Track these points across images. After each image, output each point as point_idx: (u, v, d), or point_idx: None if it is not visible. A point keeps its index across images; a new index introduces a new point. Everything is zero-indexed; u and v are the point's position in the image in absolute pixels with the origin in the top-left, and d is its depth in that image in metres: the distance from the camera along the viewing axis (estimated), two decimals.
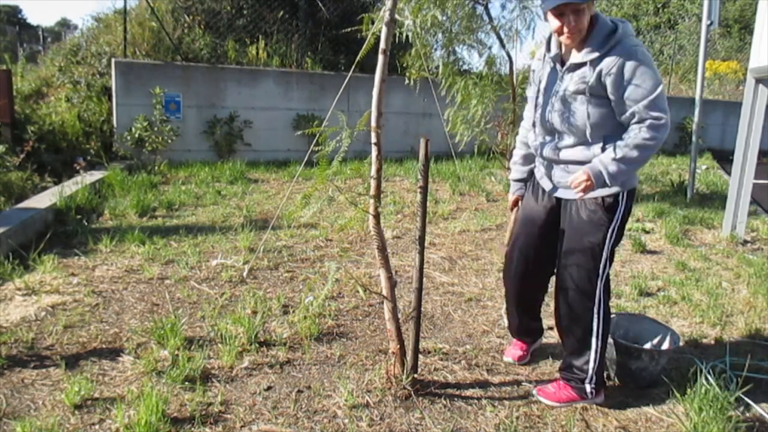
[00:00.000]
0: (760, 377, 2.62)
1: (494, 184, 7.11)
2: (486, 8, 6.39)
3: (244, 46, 8.95)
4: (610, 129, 2.18)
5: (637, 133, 2.08)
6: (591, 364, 2.30)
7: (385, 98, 2.29)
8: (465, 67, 9.26)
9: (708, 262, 4.42)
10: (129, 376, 2.42)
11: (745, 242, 5.05)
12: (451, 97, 6.49)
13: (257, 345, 2.73)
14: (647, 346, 2.63)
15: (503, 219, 5.49)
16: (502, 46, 6.62)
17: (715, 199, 6.68)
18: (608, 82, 2.09)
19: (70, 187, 5.27)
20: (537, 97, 2.38)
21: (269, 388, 2.40)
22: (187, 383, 2.36)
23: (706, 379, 2.45)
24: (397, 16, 2.17)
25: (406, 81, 6.71)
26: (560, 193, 2.37)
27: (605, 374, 2.62)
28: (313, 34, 9.47)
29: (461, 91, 6.40)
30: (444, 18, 5.94)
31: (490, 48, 6.59)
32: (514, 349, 2.75)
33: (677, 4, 20.26)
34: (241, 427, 2.13)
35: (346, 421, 2.18)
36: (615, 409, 2.36)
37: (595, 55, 2.11)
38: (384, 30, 2.14)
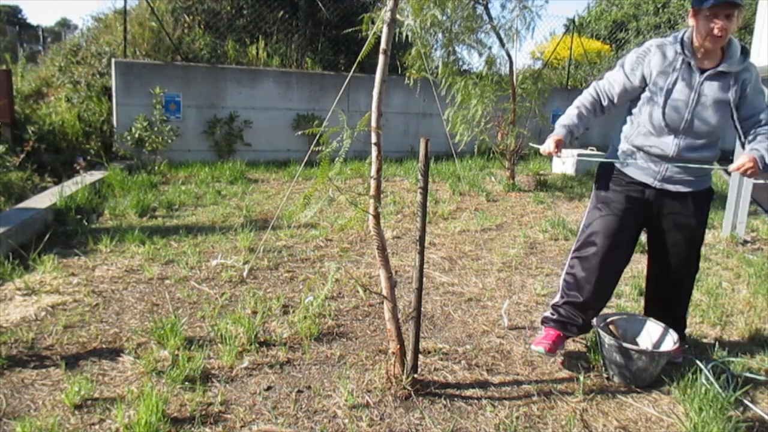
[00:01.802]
0: (760, 377, 2.62)
1: (494, 184, 7.11)
2: (486, 8, 6.40)
3: (244, 46, 8.95)
4: (722, 132, 2.49)
5: None
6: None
7: (385, 98, 2.30)
8: (465, 67, 9.28)
9: (708, 262, 4.42)
10: (129, 376, 2.42)
11: (745, 242, 5.05)
12: (451, 97, 6.50)
13: (257, 345, 2.73)
14: (647, 346, 2.63)
15: (503, 219, 5.49)
16: (502, 45, 6.63)
17: (715, 199, 6.66)
18: (748, 92, 2.41)
19: (70, 187, 5.27)
20: (659, 95, 2.45)
21: (269, 388, 2.39)
22: (187, 383, 2.36)
23: (706, 379, 2.46)
24: (397, 16, 2.18)
25: (406, 81, 6.72)
26: (672, 188, 2.53)
27: (606, 375, 2.63)
28: (313, 34, 9.48)
29: (461, 91, 6.41)
30: (444, 18, 5.94)
31: (490, 48, 6.61)
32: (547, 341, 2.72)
33: (677, 4, 20.24)
34: (241, 427, 2.13)
35: (346, 421, 2.18)
36: (615, 409, 2.36)
37: (741, 67, 2.38)
38: (385, 30, 2.14)
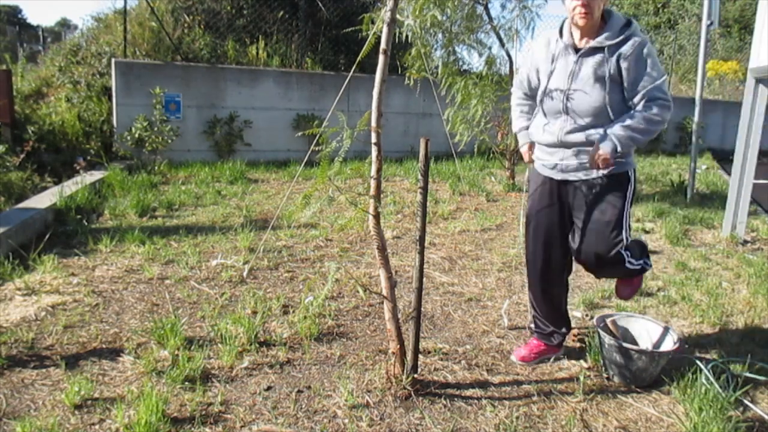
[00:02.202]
0: (760, 377, 2.62)
1: (494, 184, 7.11)
2: (486, 8, 6.40)
3: (244, 46, 8.95)
4: (619, 113, 2.34)
5: (647, 109, 2.28)
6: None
7: (385, 98, 2.30)
8: (465, 67, 9.27)
9: (708, 262, 4.42)
10: (129, 376, 2.42)
11: (745, 242, 5.05)
12: (451, 97, 6.50)
13: (257, 345, 2.73)
14: (647, 346, 2.63)
15: (503, 219, 5.49)
16: (502, 45, 6.63)
17: (715, 199, 6.68)
18: (624, 66, 2.27)
19: (70, 187, 5.27)
20: (546, 82, 2.44)
21: (269, 388, 2.40)
22: (187, 383, 2.36)
23: (706, 379, 2.46)
24: (397, 16, 2.17)
25: (406, 81, 6.72)
26: (572, 177, 2.44)
27: (605, 375, 2.62)
28: (313, 34, 9.47)
29: (461, 91, 6.40)
30: (444, 18, 5.94)
31: (489, 48, 6.60)
32: (524, 350, 2.75)
33: (677, 4, 20.25)
34: (241, 427, 2.13)
35: (346, 421, 2.18)
36: (615, 409, 2.36)
37: (614, 41, 2.28)
38: (385, 30, 2.14)
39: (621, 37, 2.28)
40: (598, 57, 2.31)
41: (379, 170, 2.20)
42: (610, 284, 3.54)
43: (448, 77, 6.40)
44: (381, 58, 2.14)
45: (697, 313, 3.37)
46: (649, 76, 2.26)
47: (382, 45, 2.15)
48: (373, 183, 2.24)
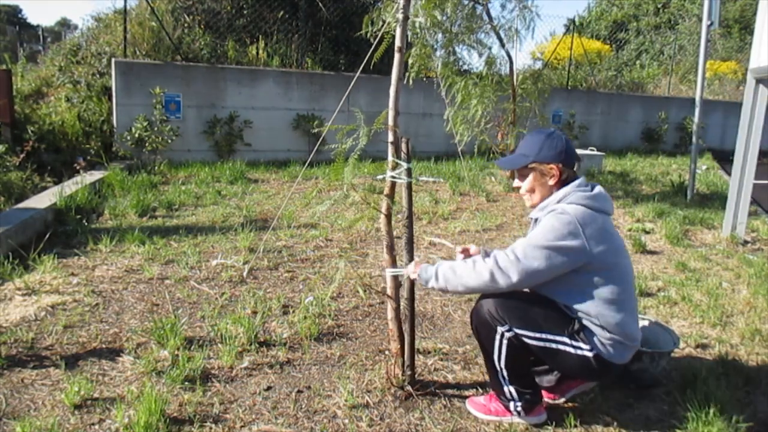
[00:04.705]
0: (760, 377, 2.62)
1: (494, 185, 7.11)
2: (486, 8, 6.40)
3: (244, 46, 8.95)
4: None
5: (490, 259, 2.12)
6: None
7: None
8: (465, 67, 9.28)
9: (708, 262, 4.42)
10: (129, 376, 2.42)
11: (746, 242, 5.05)
12: (451, 97, 6.50)
13: (257, 345, 2.72)
14: (646, 347, 2.63)
15: (503, 219, 5.49)
16: (502, 46, 6.63)
17: (716, 200, 6.67)
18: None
19: (70, 187, 5.27)
20: None
21: (269, 388, 2.39)
22: (186, 383, 2.36)
23: (707, 379, 2.45)
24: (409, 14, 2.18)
25: (406, 81, 6.72)
26: None
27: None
28: (313, 34, 9.48)
29: (461, 91, 6.41)
30: (444, 18, 5.94)
31: (490, 48, 6.61)
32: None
33: (677, 4, 20.25)
34: (241, 427, 2.12)
35: (346, 421, 2.18)
36: (615, 409, 2.36)
37: (540, 214, 2.14)
38: (398, 28, 2.14)
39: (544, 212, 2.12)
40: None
41: (394, 169, 2.21)
42: None
43: (448, 77, 6.40)
44: (397, 56, 2.14)
45: (697, 313, 3.37)
46: (524, 244, 2.03)
47: (397, 43, 2.15)
48: (388, 182, 2.24)
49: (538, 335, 2.06)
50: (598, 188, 2.15)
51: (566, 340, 2.05)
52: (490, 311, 2.09)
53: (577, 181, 2.13)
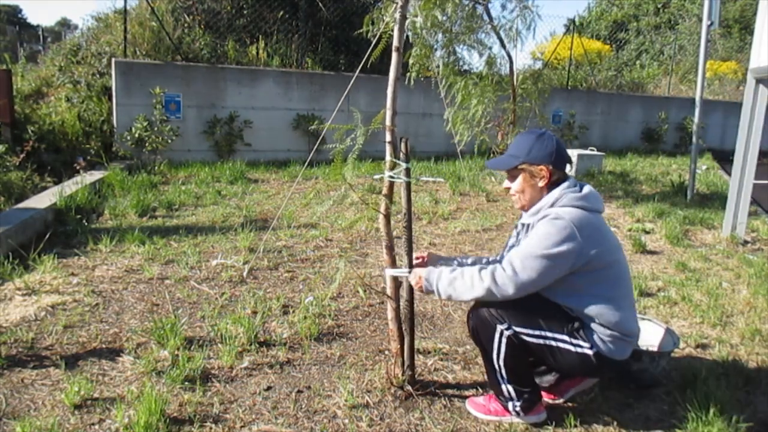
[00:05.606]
0: (760, 377, 2.62)
1: (494, 184, 7.11)
2: (486, 8, 6.40)
3: (244, 46, 8.95)
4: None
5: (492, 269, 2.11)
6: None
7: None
8: (465, 67, 9.28)
9: (708, 262, 4.42)
10: (129, 376, 2.42)
11: (746, 242, 5.05)
12: (452, 97, 6.50)
13: (257, 345, 2.72)
14: (647, 347, 2.63)
15: (503, 219, 5.49)
16: (503, 46, 6.63)
17: (716, 200, 6.67)
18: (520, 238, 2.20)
19: (70, 187, 5.27)
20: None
21: (269, 388, 2.39)
22: (186, 383, 2.36)
23: (707, 379, 2.45)
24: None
25: (406, 81, 6.72)
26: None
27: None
28: (313, 34, 9.48)
29: (461, 91, 6.41)
30: (444, 18, 5.94)
31: (490, 48, 6.61)
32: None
33: (678, 4, 20.25)
34: (241, 427, 2.12)
35: (346, 421, 2.18)
36: (615, 409, 2.36)
37: (533, 219, 2.13)
38: (396, 28, 2.14)
39: (537, 216, 2.11)
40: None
41: (392, 169, 2.21)
42: None
43: (448, 77, 6.40)
44: (394, 55, 2.14)
45: (697, 313, 3.37)
46: (522, 248, 2.03)
47: (395, 42, 2.15)
48: (386, 182, 2.24)
49: (537, 333, 2.06)
50: (588, 187, 2.15)
51: (566, 338, 2.06)
52: (490, 310, 2.09)
53: (566, 183, 2.13)
